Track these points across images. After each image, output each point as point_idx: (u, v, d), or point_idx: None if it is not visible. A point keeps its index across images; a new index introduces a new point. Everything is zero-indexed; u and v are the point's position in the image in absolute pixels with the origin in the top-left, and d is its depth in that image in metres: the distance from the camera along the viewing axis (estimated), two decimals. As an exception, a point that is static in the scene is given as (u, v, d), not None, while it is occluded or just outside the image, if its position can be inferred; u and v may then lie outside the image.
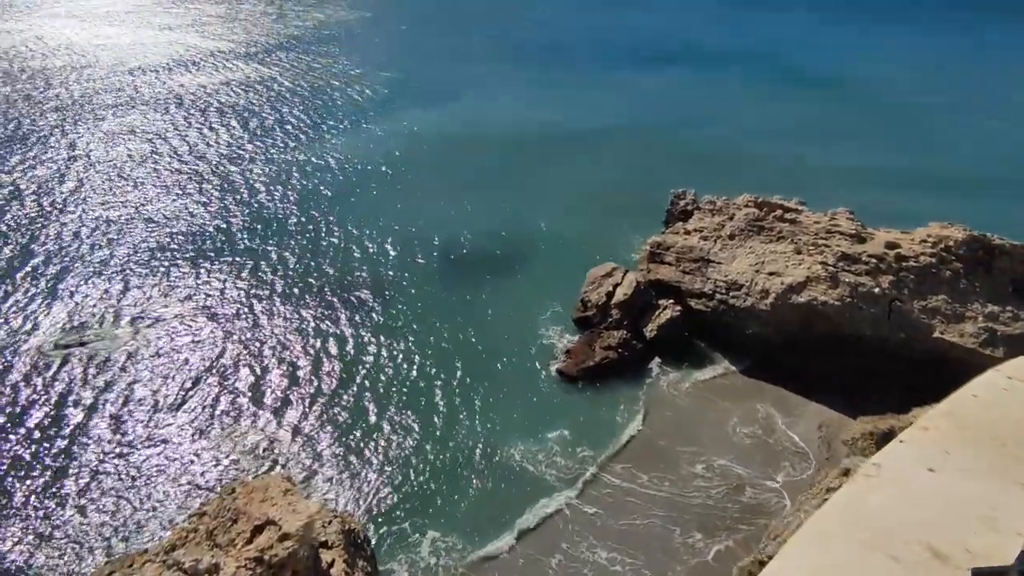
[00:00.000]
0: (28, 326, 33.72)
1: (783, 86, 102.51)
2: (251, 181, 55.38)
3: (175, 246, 43.10)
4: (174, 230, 45.51)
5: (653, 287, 35.37)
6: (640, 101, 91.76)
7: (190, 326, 34.31)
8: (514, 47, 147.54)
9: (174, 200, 50.86)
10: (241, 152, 63.51)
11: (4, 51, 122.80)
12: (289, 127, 73.27)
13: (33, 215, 47.40)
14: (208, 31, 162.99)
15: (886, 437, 24.80)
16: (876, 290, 30.84)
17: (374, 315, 35.97)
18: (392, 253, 43.02)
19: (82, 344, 32.29)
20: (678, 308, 34.00)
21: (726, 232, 36.03)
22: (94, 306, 35.81)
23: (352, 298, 37.59)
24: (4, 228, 45.04)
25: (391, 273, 40.69)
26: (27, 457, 25.80)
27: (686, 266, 35.29)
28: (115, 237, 44.16)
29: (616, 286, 34.79)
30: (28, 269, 39.55)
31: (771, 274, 32.84)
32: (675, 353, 32.67)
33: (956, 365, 27.90)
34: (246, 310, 35.99)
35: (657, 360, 32.45)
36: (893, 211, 41.72)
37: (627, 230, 45.41)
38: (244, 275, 39.57)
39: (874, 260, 31.89)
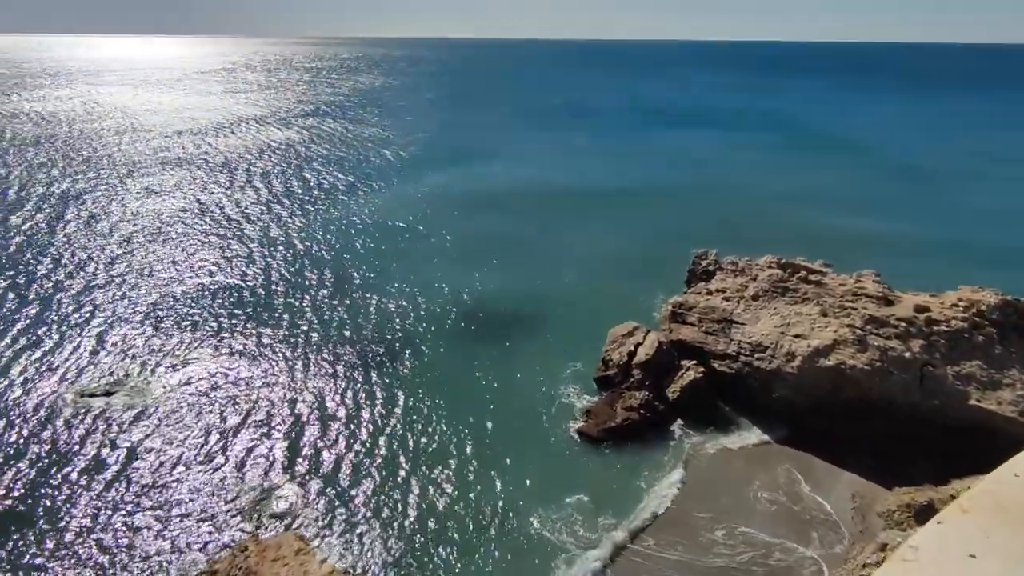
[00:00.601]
0: (61, 372, 34.48)
1: (804, 151, 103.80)
2: (286, 238, 57.12)
3: (211, 299, 44.23)
4: (211, 284, 46.82)
5: (675, 347, 34.93)
6: (661, 163, 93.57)
7: (219, 379, 34.72)
8: (539, 112, 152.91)
9: (212, 255, 52.57)
10: (277, 210, 65.86)
11: (64, 114, 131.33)
12: (324, 186, 76.05)
13: (79, 266, 49.29)
14: (249, 98, 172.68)
15: (924, 510, 23.55)
16: (907, 355, 29.99)
17: (397, 371, 36.04)
18: (419, 309, 43.48)
19: (110, 394, 32.81)
20: (701, 369, 33.41)
21: (749, 293, 35.73)
22: (127, 356, 36.58)
23: (377, 354, 37.83)
24: (52, 277, 46.84)
25: (416, 328, 41.01)
26: (41, 506, 25.83)
27: (709, 327, 34.90)
28: (153, 289, 45.55)
29: (638, 346, 34.46)
30: (70, 317, 40.82)
31: (797, 336, 32.25)
32: (699, 415, 31.85)
33: (994, 434, 26.69)
34: (275, 364, 36.39)
35: (680, 422, 31.65)
36: (919, 274, 41.06)
37: (649, 289, 45.38)
38: (275, 329, 40.25)
39: (903, 324, 31.17)
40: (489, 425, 31.39)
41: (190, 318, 41.32)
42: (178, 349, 37.52)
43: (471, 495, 26.99)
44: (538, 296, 45.54)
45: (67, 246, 53.72)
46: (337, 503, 26.38)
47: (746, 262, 38.61)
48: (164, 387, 33.70)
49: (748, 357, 32.79)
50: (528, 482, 27.69)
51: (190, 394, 33.15)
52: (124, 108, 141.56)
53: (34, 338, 38.23)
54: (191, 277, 47.93)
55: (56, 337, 38.44)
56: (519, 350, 38.50)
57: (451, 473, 28.22)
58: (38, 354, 36.46)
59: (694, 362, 33.92)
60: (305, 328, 40.50)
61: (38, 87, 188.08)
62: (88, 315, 41.45)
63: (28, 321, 40.37)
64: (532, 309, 43.52)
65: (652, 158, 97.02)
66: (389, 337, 39.74)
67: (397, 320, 41.97)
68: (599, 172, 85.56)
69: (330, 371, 35.74)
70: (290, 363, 36.48)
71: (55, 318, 40.89)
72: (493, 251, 54.49)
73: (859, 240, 56.81)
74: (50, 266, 49.36)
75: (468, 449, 29.72)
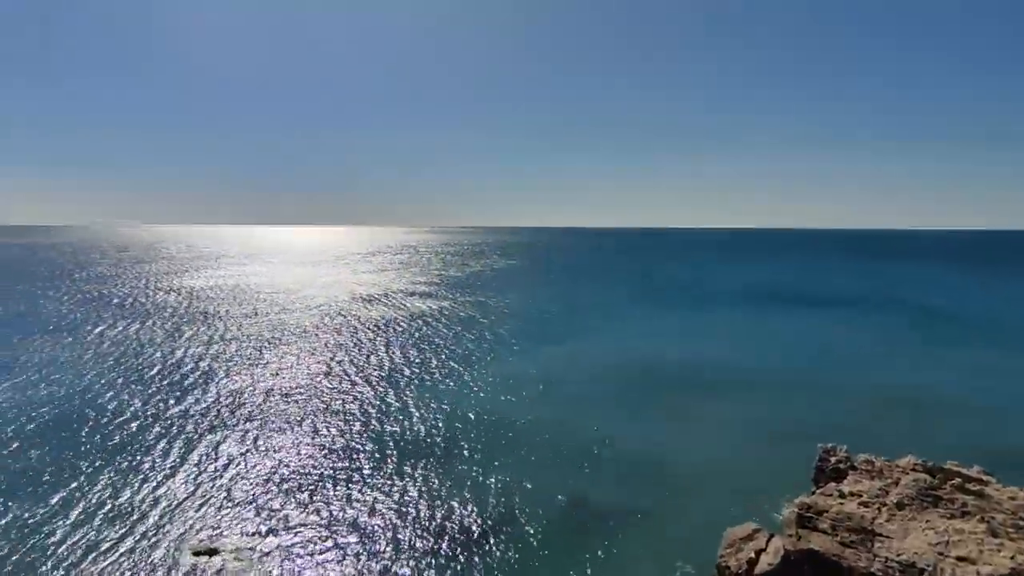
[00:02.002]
0: (171, 528, 36.24)
1: (935, 339, 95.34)
2: (403, 407, 59.50)
3: (325, 463, 45.95)
4: (327, 448, 48.98)
5: (805, 558, 30.31)
6: (778, 345, 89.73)
7: (319, 550, 34.70)
8: (650, 291, 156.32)
9: (332, 420, 55.67)
10: (397, 378, 69.74)
11: (227, 289, 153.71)
12: (443, 357, 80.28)
13: (209, 425, 54.10)
14: (383, 276, 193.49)
15: None
16: (1120, 599, 23.79)
17: (497, 556, 34.07)
18: (522, 491, 41.99)
19: (214, 552, 33.67)
20: (841, 590, 28.37)
21: (892, 500, 31.17)
22: (238, 515, 37.99)
23: (477, 538, 36.32)
24: (185, 435, 51.60)
25: (523, 507, 39.31)
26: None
27: (845, 537, 30.27)
28: (271, 451, 48.36)
29: (759, 552, 30.37)
30: (195, 472, 43.93)
31: (961, 559, 26.98)
32: (843, 652, 26.33)
33: None
34: (378, 536, 35.98)
35: (819, 659, 26.25)
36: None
37: (769, 484, 41.00)
38: (381, 498, 40.44)
39: (1107, 556, 25.23)
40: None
41: (301, 483, 42.77)
42: (285, 513, 38.44)
43: None
44: (647, 485, 42.58)
45: (203, 404, 59.61)
46: None
47: (884, 463, 34.32)
48: (265, 552, 34.08)
49: (899, 580, 27.59)
50: None
51: (290, 564, 33.15)
52: (276, 285, 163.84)
53: (162, 489, 41.13)
54: (310, 441, 50.55)
55: (180, 491, 41.09)
56: (625, 544, 35.25)
57: None
58: (162, 504, 38.88)
59: (830, 580, 29.01)
60: (410, 500, 40.28)
61: (210, 267, 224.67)
62: (211, 472, 44.33)
63: (159, 473, 43.90)
64: (641, 499, 40.51)
65: (768, 340, 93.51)
66: (491, 519, 38.27)
67: (501, 501, 40.62)
68: (712, 353, 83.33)
69: (429, 548, 34.53)
70: (394, 536, 35.86)
71: (182, 471, 44.13)
72: (602, 431, 52.89)
73: (1019, 447, 48.82)
74: (187, 424, 54.55)
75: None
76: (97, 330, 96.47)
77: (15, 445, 48.65)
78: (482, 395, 63.94)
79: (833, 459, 36.78)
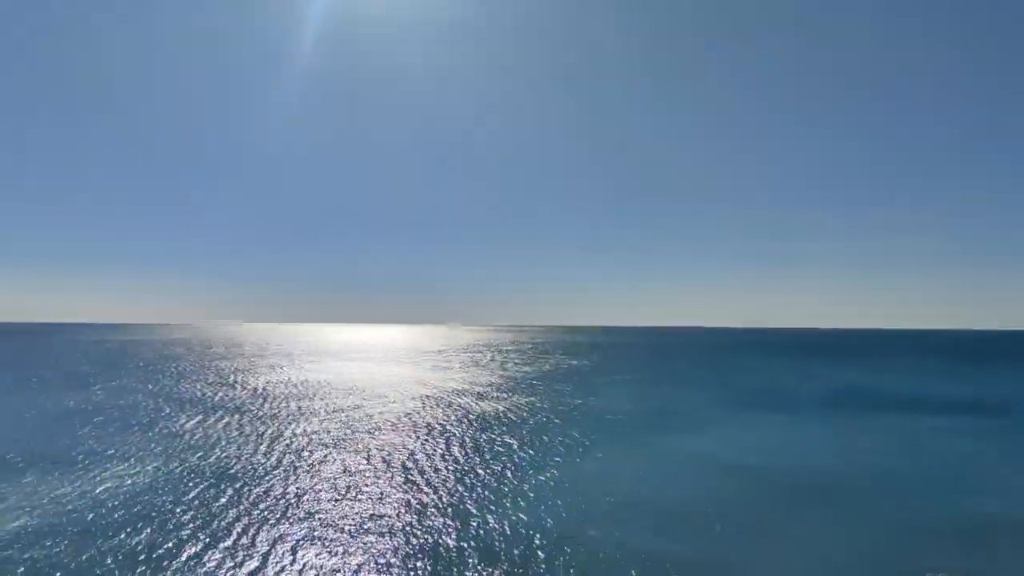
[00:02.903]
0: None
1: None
2: (481, 510, 58.21)
3: (399, 567, 45.34)
4: (401, 549, 48.43)
5: None
6: (878, 452, 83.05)
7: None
8: (725, 392, 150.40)
9: (406, 522, 55.31)
10: (473, 479, 68.91)
11: (311, 385, 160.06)
12: (516, 458, 79.25)
13: (285, 524, 54.77)
14: (449, 374, 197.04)
15: None
16: None
17: None
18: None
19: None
20: None
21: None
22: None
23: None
24: (254, 529, 52.37)
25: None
26: None
27: None
28: (345, 554, 48.27)
29: None
30: (259, 563, 44.26)
31: None
32: None
33: None
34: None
35: None
36: None
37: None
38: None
39: None
40: None
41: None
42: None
43: None
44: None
45: (285, 501, 60.64)
46: None
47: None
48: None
49: None
50: None
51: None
52: (348, 382, 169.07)
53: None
54: (384, 544, 50.15)
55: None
56: None
57: None
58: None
59: None
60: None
61: (287, 365, 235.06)
62: (287, 574, 44.52)
63: (241, 572, 44.46)
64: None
65: (866, 449, 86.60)
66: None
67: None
68: (803, 461, 77.89)
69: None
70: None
71: (262, 573, 44.52)
72: (680, 549, 49.71)
73: None
74: (268, 520, 55.46)
75: None
76: (189, 424, 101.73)
77: (110, 533, 50.92)
78: (559, 501, 62.02)
79: (960, 591, 32.94)
